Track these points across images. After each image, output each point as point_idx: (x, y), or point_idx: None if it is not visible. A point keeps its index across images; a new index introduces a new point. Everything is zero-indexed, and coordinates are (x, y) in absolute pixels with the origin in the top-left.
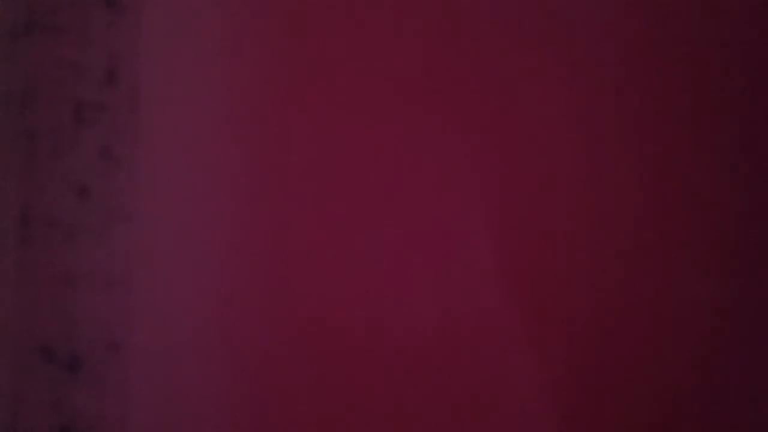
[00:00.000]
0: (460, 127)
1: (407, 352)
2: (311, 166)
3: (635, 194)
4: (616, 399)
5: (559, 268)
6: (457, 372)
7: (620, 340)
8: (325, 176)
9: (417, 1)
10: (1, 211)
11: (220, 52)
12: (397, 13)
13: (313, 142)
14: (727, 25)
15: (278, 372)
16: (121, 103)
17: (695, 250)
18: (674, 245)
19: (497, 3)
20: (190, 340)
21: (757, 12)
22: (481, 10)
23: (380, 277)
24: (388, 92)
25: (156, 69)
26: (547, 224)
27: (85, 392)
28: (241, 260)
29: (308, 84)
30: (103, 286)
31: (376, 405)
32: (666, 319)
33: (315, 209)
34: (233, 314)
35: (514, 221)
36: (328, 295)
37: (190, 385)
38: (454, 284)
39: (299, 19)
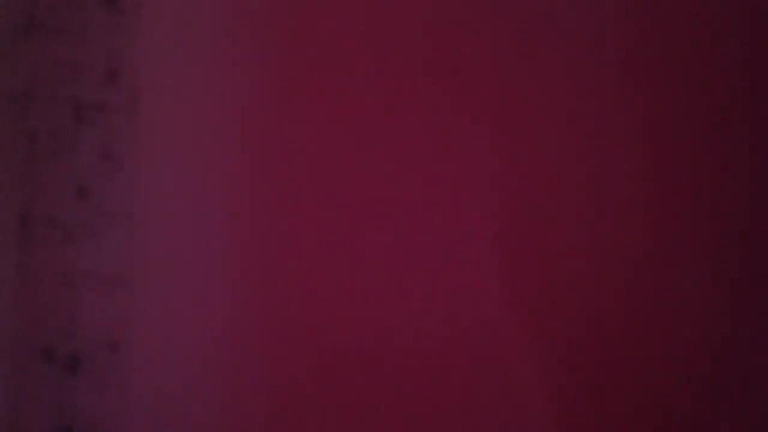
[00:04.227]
0: (461, 129)
1: (407, 353)
2: (312, 166)
3: (637, 196)
4: (617, 401)
5: (561, 270)
6: (458, 374)
7: (621, 343)
8: (326, 177)
9: (418, 2)
10: (1, 211)
11: (221, 52)
12: (398, 14)
13: (315, 143)
14: (728, 24)
15: (279, 372)
16: (121, 103)
17: (696, 252)
18: (675, 247)
19: (499, 3)
20: (190, 340)
21: (758, 12)
22: (483, 9)
23: (381, 277)
24: (389, 94)
25: (156, 69)
26: (548, 226)
27: (85, 392)
28: (241, 260)
29: (309, 84)
30: (103, 286)
31: (377, 405)
32: (667, 321)
33: (316, 210)
34: (233, 314)
35: (515, 223)
36: (329, 296)
37: (190, 386)
38: (456, 286)
39: (300, 18)
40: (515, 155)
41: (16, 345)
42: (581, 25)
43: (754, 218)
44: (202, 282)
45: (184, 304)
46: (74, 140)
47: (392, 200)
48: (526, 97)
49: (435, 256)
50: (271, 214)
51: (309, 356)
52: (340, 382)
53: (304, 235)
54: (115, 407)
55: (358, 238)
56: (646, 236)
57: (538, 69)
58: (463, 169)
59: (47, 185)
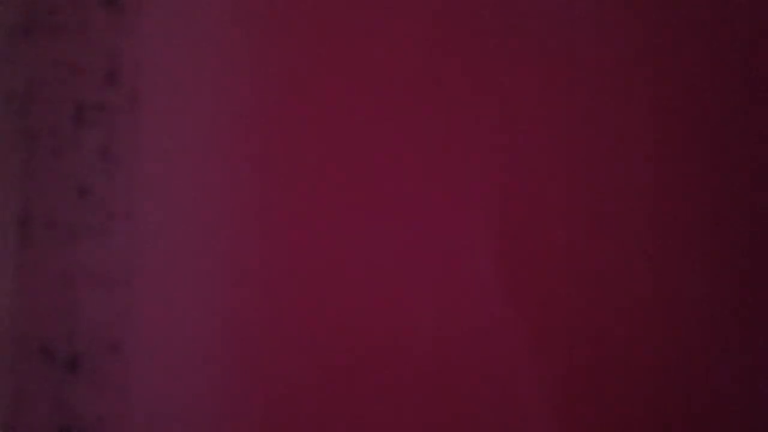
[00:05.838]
0: (461, 129)
1: (407, 354)
2: (313, 165)
3: (636, 197)
4: (617, 402)
5: (560, 271)
6: (457, 375)
7: (622, 344)
8: (327, 177)
9: (418, 3)
10: (1, 211)
11: (221, 52)
12: (399, 15)
13: (315, 142)
14: (728, 25)
15: (279, 372)
16: (121, 103)
17: (696, 252)
18: (677, 249)
19: (499, 4)
20: (190, 340)
21: (758, 12)
22: (484, 11)
23: (380, 278)
24: (389, 96)
25: (156, 69)
26: (547, 227)
27: (85, 392)
28: (241, 260)
29: (309, 84)
30: (103, 286)
31: (375, 406)
32: (669, 323)
33: (317, 209)
34: (234, 314)
35: (514, 224)
36: (330, 296)
37: (190, 386)
38: (455, 287)
39: (300, 19)
40: (516, 156)
41: (16, 345)
42: (582, 27)
43: (756, 218)
44: (202, 282)
45: (184, 304)
46: (74, 140)
47: (392, 200)
48: (527, 97)
49: (434, 256)
50: (272, 213)
51: (310, 357)
52: (341, 382)
53: (305, 235)
54: (115, 407)
55: (357, 239)
56: (648, 237)
57: (539, 69)
58: (463, 169)
59: (47, 185)
